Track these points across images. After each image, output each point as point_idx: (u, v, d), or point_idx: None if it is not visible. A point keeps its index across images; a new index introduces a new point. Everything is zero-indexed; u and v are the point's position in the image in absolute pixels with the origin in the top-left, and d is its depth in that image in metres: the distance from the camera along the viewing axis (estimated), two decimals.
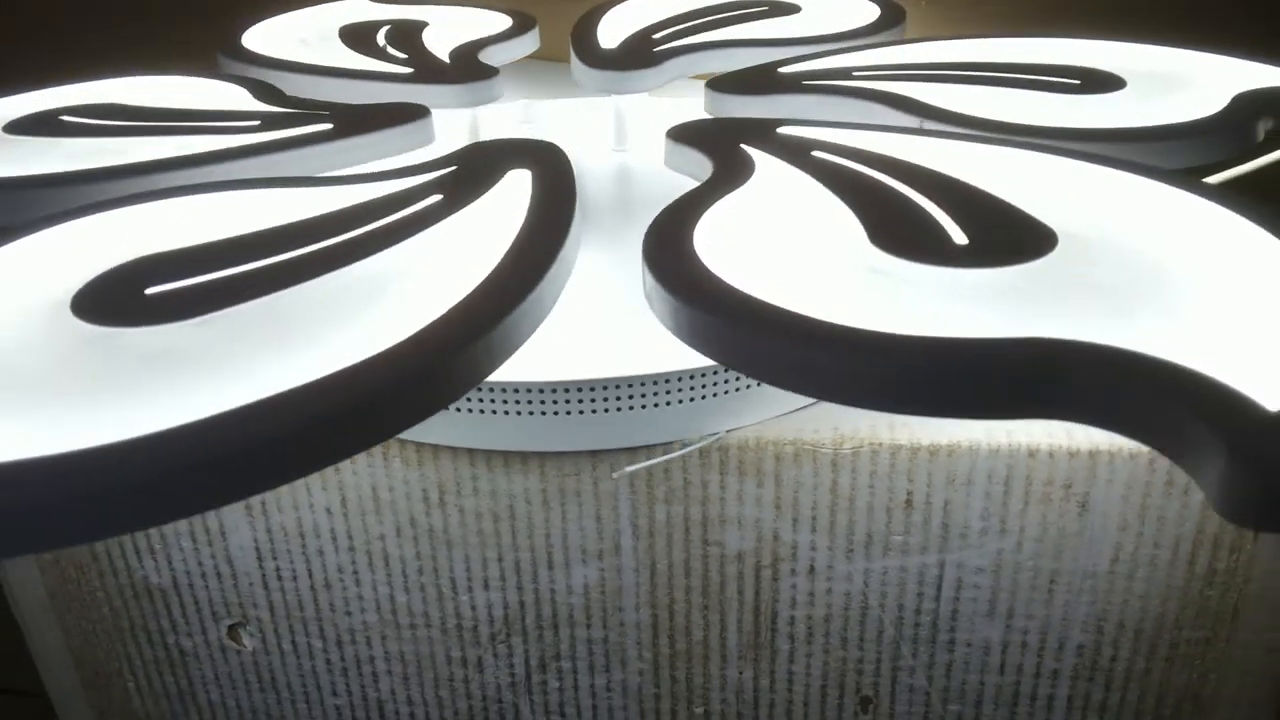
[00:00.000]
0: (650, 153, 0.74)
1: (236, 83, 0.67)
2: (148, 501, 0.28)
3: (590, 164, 0.72)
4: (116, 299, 0.39)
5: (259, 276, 0.40)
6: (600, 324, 0.50)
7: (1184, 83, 0.61)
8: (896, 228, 0.41)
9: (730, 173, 0.48)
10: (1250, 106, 0.56)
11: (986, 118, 0.55)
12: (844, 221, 0.42)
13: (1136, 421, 0.30)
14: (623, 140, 0.74)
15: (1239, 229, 0.40)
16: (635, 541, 0.52)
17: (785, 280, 0.37)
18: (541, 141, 0.54)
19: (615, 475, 0.48)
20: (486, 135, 0.71)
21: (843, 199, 0.44)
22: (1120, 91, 0.60)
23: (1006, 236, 0.40)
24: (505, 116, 0.78)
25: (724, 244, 0.40)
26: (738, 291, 0.36)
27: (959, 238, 0.40)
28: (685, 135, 0.54)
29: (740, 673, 0.56)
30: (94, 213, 0.47)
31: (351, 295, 0.39)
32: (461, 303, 0.36)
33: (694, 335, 0.36)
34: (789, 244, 0.41)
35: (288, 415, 0.30)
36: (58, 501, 0.27)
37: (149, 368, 0.34)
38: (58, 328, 0.37)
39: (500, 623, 0.55)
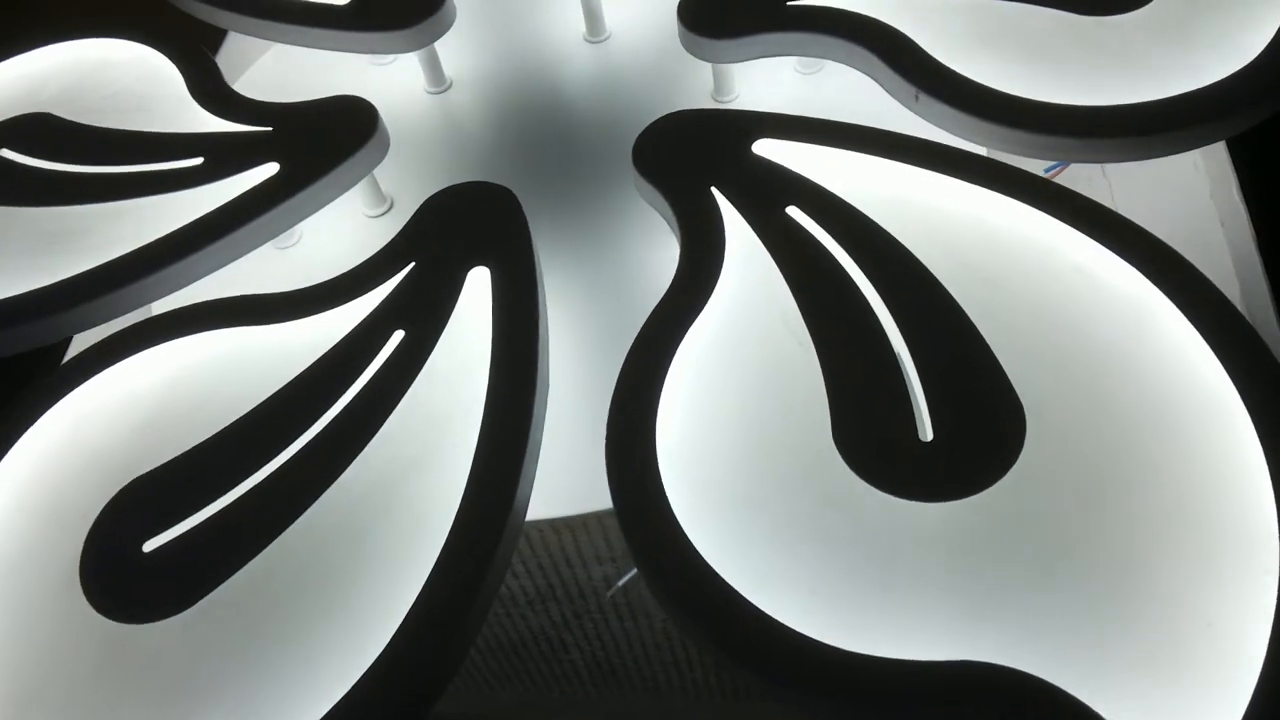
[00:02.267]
0: (626, 43, 0.66)
1: (160, 49, 0.61)
2: None
3: (562, 68, 0.65)
4: (118, 562, 0.41)
5: (246, 517, 0.42)
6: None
7: None
8: (861, 412, 0.40)
9: (696, 269, 0.45)
10: None
11: (985, 90, 0.49)
12: (810, 398, 0.41)
13: None
14: (597, 29, 0.66)
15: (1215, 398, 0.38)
16: None
17: (745, 517, 0.38)
18: (497, 197, 0.50)
19: (610, 593, 0.51)
20: None
21: (814, 341, 0.42)
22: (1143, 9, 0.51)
23: (971, 434, 0.39)
24: None
25: (686, 453, 0.40)
26: (705, 580, 0.37)
27: (924, 428, 0.39)
28: (650, 167, 0.50)
29: None
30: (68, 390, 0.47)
31: (335, 551, 0.41)
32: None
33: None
34: (753, 446, 0.40)
35: None
36: None
37: (156, 678, 0.38)
38: (73, 615, 0.40)
39: (534, 594, 0.62)
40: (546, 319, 0.47)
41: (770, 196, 0.48)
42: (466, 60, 0.67)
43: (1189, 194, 0.57)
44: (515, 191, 0.50)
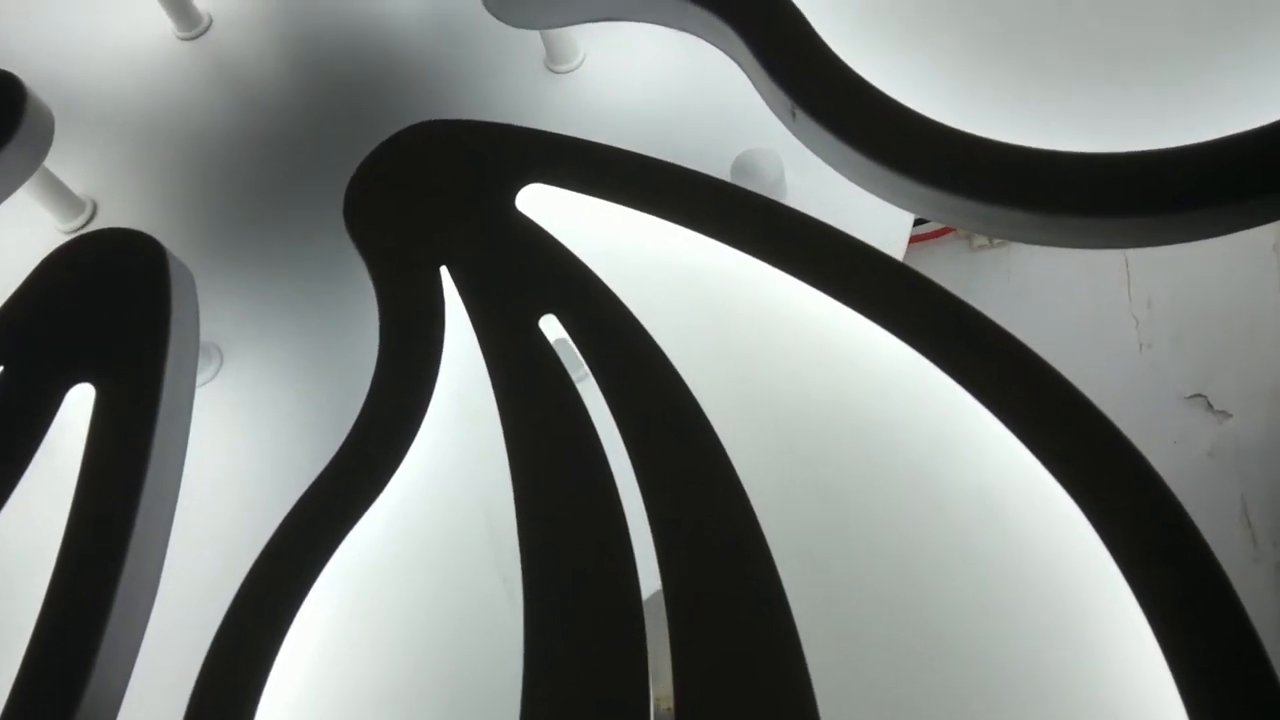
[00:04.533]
0: None
1: None
2: None
3: (366, 8, 0.46)
4: None
5: None
6: None
7: None
8: None
9: (378, 421, 0.28)
10: None
11: (894, 111, 0.30)
12: (494, 701, 0.24)
13: None
14: None
15: None
16: None
17: None
18: (132, 256, 0.33)
19: None
20: None
21: (526, 588, 0.25)
22: None
23: None
24: None
25: None
26: None
27: None
28: (362, 224, 0.32)
29: None
30: None
31: None
32: None
33: None
34: None
35: None
36: None
37: None
38: None
39: None
40: (176, 471, 0.31)
41: (518, 295, 0.29)
42: None
43: (1240, 254, 0.37)
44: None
